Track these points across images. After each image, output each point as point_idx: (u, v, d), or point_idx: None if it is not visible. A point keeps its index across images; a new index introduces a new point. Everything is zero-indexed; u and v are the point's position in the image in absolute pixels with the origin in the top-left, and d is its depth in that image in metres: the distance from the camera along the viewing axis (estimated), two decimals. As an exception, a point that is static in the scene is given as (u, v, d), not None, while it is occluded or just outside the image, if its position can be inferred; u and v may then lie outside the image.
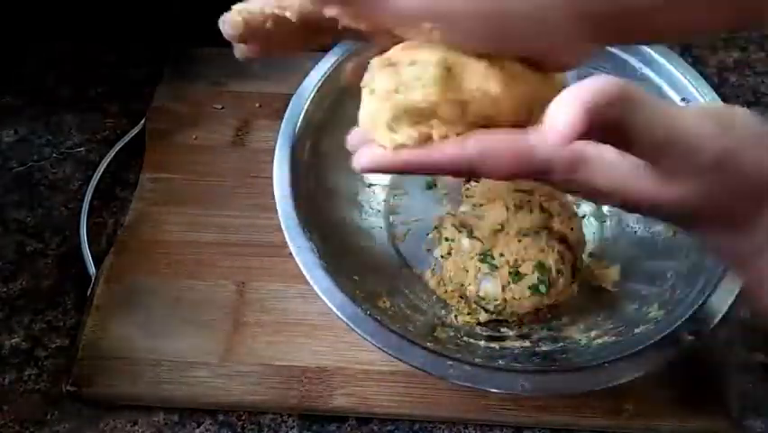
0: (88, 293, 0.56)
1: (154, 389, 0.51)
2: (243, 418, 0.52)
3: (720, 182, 0.29)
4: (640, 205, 0.31)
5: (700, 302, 0.46)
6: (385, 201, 0.60)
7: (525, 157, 0.28)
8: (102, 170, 0.63)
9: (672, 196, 0.29)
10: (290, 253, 0.48)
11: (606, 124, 0.25)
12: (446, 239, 0.53)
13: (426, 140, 0.30)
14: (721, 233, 0.33)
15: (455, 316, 0.53)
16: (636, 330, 0.47)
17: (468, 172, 0.30)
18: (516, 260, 0.49)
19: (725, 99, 0.52)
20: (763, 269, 0.32)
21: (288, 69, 0.68)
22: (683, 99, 0.52)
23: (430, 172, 0.30)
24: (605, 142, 0.28)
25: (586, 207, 0.59)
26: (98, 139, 0.67)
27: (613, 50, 0.55)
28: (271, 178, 0.51)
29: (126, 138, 0.65)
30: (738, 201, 0.30)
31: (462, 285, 0.51)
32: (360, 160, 0.33)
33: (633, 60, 0.56)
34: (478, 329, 0.52)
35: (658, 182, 0.29)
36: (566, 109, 0.24)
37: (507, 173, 0.29)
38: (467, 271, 0.50)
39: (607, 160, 0.29)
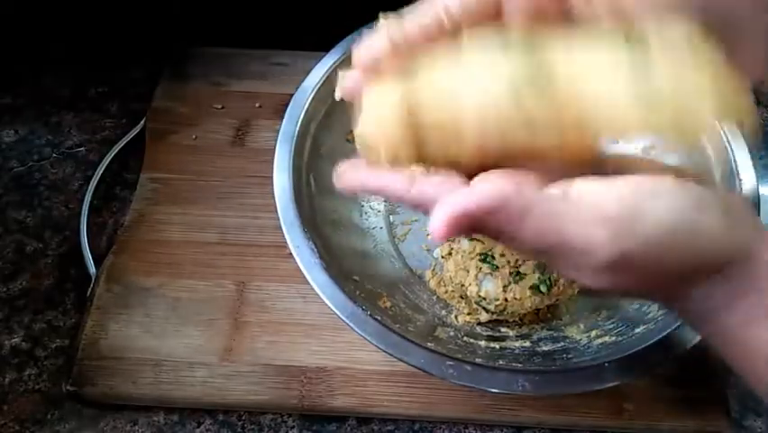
0: (88, 293, 0.56)
1: (154, 389, 0.51)
2: (243, 418, 0.52)
3: (623, 279, 0.30)
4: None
5: (700, 302, 0.46)
6: (385, 201, 0.60)
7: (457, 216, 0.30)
8: (102, 170, 0.63)
9: (585, 283, 0.31)
10: (290, 253, 0.48)
11: (479, 231, 0.30)
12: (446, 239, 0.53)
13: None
14: (661, 305, 0.35)
15: (455, 316, 0.53)
16: (636, 330, 0.47)
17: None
18: (516, 260, 0.49)
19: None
20: (713, 331, 0.33)
21: (288, 69, 0.69)
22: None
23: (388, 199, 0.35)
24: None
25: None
26: (98, 139, 0.67)
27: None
28: (271, 178, 0.51)
29: (126, 138, 0.65)
30: (654, 292, 0.32)
31: (463, 285, 0.51)
32: (340, 183, 0.36)
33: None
34: (478, 329, 0.52)
35: (565, 270, 0.32)
36: (436, 216, 0.29)
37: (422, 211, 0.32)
38: (467, 272, 0.50)
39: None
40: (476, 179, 0.30)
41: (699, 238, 0.29)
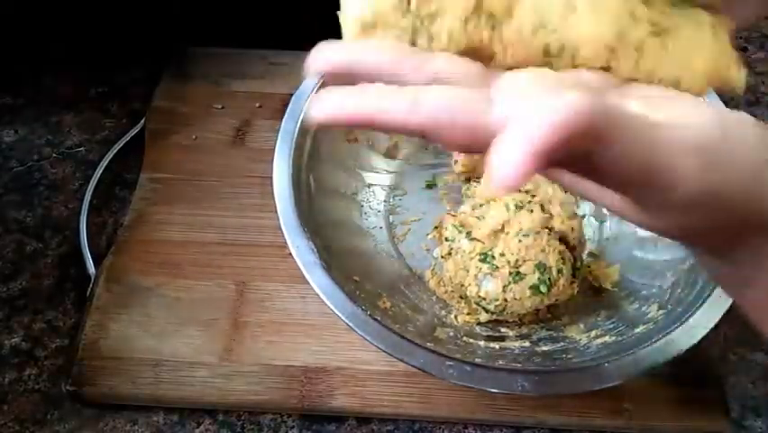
0: (88, 293, 0.56)
1: (154, 389, 0.51)
2: (243, 418, 0.52)
3: (698, 218, 0.27)
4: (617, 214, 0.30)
5: (700, 302, 0.46)
6: (385, 201, 0.60)
7: (480, 135, 0.23)
8: (102, 170, 0.63)
9: (646, 222, 0.29)
10: (290, 253, 0.48)
11: (565, 160, 0.24)
12: (446, 239, 0.53)
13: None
14: (710, 260, 0.32)
15: (455, 316, 0.53)
16: (636, 330, 0.47)
17: (419, 135, 0.24)
18: (516, 260, 0.49)
19: (725, 99, 0.52)
20: (750, 299, 0.31)
21: (288, 69, 0.69)
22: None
23: (379, 129, 0.25)
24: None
25: (586, 207, 0.59)
26: (98, 139, 0.67)
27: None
28: (271, 178, 0.51)
29: (126, 138, 0.65)
30: (719, 234, 0.29)
31: (463, 285, 0.51)
32: (313, 111, 0.26)
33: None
34: (478, 329, 0.52)
35: (632, 209, 0.28)
36: (508, 156, 0.21)
37: (459, 147, 0.25)
38: (467, 272, 0.50)
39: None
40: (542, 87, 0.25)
41: None
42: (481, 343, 0.49)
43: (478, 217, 0.52)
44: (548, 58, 0.28)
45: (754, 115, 0.28)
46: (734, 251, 0.29)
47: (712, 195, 0.26)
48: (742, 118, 0.26)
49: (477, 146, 0.24)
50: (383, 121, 0.24)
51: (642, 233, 0.56)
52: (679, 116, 0.25)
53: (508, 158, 0.21)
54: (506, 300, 0.48)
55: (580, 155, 0.23)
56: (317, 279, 0.46)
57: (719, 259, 0.31)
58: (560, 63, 0.28)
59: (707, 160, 0.25)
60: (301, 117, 0.54)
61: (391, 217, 0.59)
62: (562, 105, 0.22)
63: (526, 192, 0.53)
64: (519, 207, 0.52)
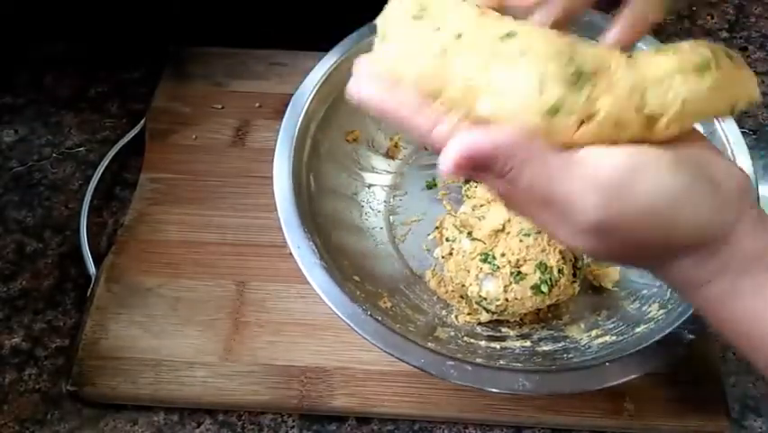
0: (88, 293, 0.56)
1: (154, 389, 0.51)
2: (243, 418, 0.52)
3: (607, 242, 0.31)
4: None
5: (701, 302, 0.46)
6: (385, 201, 0.60)
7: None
8: (102, 170, 0.63)
9: (566, 240, 0.32)
10: (290, 253, 0.48)
11: (481, 171, 0.31)
12: (447, 239, 0.53)
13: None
14: (646, 271, 0.36)
15: (456, 316, 0.53)
16: (636, 330, 0.47)
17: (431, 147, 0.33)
18: (517, 260, 0.49)
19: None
20: (696, 299, 0.34)
21: (288, 69, 0.69)
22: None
23: (402, 129, 0.33)
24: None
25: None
26: (98, 139, 0.67)
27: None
28: (271, 178, 0.51)
29: (126, 138, 0.65)
30: (637, 257, 0.33)
31: (464, 285, 0.51)
32: (352, 88, 0.35)
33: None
34: (478, 329, 0.52)
35: (553, 225, 0.32)
36: (451, 149, 0.30)
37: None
38: (468, 272, 0.50)
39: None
40: (491, 126, 0.31)
41: (686, 217, 0.30)
42: (482, 343, 0.49)
43: (478, 217, 0.52)
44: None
45: (754, 115, 0.29)
46: (671, 264, 0.33)
47: (612, 225, 0.30)
48: (652, 162, 0.30)
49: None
50: (408, 128, 0.33)
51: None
52: (589, 156, 0.30)
53: (450, 153, 0.30)
54: (507, 300, 0.48)
55: (496, 172, 0.31)
56: (317, 279, 0.46)
57: (658, 271, 0.34)
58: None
59: (604, 197, 0.29)
60: (301, 117, 0.54)
61: (391, 218, 0.59)
62: (495, 132, 0.30)
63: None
64: (519, 207, 0.51)
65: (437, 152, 0.32)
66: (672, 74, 0.31)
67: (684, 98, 0.30)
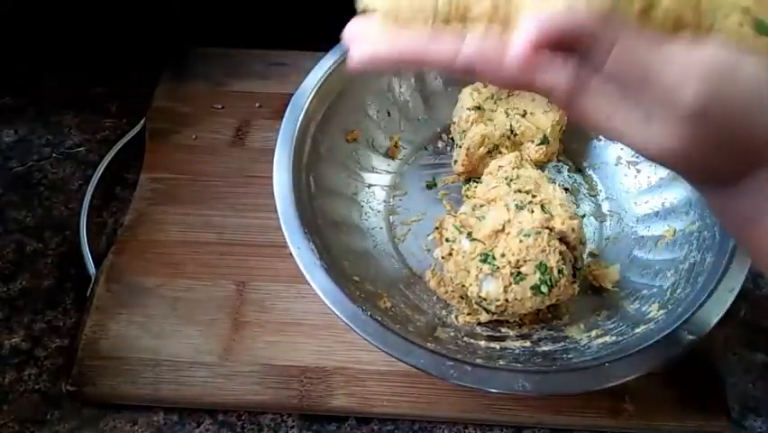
0: (88, 293, 0.56)
1: (154, 389, 0.51)
2: (243, 418, 0.52)
3: (702, 134, 0.28)
4: (626, 142, 0.31)
5: (700, 302, 0.46)
6: (385, 201, 0.60)
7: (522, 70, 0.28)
8: (102, 170, 0.63)
9: (650, 137, 0.29)
10: (290, 253, 0.48)
11: (571, 44, 0.28)
12: (447, 240, 0.53)
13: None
14: (714, 189, 0.32)
15: (455, 316, 0.53)
16: (636, 330, 0.47)
17: (462, 70, 0.30)
18: (517, 260, 0.49)
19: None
20: (754, 237, 0.32)
21: (288, 69, 0.69)
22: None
23: (424, 65, 0.31)
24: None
25: (586, 207, 0.59)
26: (98, 139, 0.67)
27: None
28: (271, 178, 0.51)
29: (126, 138, 0.65)
30: (725, 157, 0.30)
31: (463, 286, 0.51)
32: (354, 54, 0.32)
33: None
34: (478, 329, 0.52)
35: (637, 121, 0.29)
36: (527, 27, 0.27)
37: (502, 79, 0.29)
38: (468, 272, 0.50)
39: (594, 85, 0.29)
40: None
41: None
42: (482, 343, 0.49)
43: (478, 218, 0.52)
44: None
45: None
46: (738, 182, 0.30)
47: (715, 108, 0.27)
48: (754, 55, 0.28)
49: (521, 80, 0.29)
50: (430, 62, 0.29)
51: (642, 232, 0.56)
52: (687, 45, 0.28)
53: (527, 31, 0.27)
54: (506, 301, 0.48)
55: (584, 49, 0.28)
56: (317, 279, 0.46)
57: (723, 192, 0.31)
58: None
59: (708, 82, 0.27)
60: (301, 117, 0.54)
61: (391, 218, 0.59)
62: (577, 8, 0.27)
63: (527, 192, 0.53)
64: (520, 208, 0.51)
65: (481, 73, 0.28)
66: None
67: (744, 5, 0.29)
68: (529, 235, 0.49)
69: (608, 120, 0.30)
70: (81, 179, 0.64)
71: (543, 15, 0.27)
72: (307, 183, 0.53)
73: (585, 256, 0.54)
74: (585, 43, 0.28)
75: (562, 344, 0.49)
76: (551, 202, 0.52)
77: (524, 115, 0.59)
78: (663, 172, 0.57)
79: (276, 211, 0.50)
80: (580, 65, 0.29)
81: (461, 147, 0.58)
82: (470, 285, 0.50)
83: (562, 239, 0.51)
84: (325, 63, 0.56)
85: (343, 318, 0.45)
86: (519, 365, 0.45)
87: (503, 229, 0.51)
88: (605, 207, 0.59)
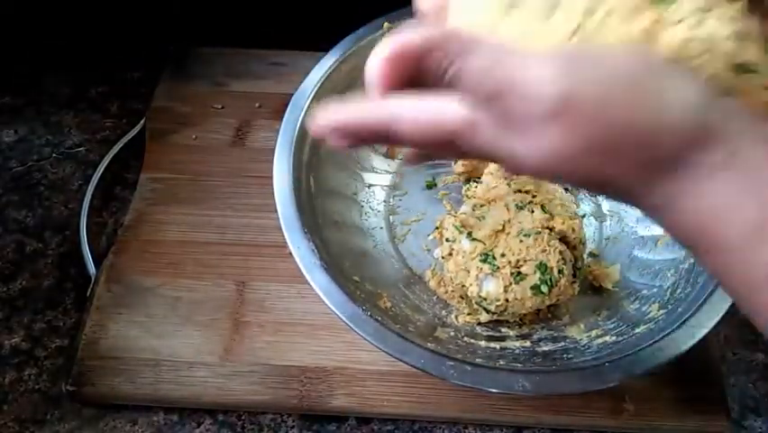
0: (88, 293, 0.56)
1: (154, 389, 0.51)
2: (243, 418, 0.52)
3: (578, 137, 0.24)
4: (503, 164, 0.28)
5: (701, 302, 0.46)
6: (385, 201, 0.60)
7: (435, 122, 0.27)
8: (102, 170, 0.63)
9: (526, 151, 0.26)
10: (290, 253, 0.48)
11: (418, 76, 0.27)
12: (447, 240, 0.53)
13: None
14: (616, 197, 0.28)
15: (455, 316, 0.53)
16: (636, 330, 0.47)
17: (385, 137, 0.29)
18: (517, 260, 0.49)
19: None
20: (673, 225, 0.27)
21: (288, 69, 0.69)
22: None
23: (363, 138, 0.29)
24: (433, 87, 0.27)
25: (586, 207, 0.59)
26: (98, 139, 0.67)
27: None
28: (271, 178, 0.51)
29: (126, 138, 0.65)
30: (616, 164, 0.25)
31: (464, 285, 0.51)
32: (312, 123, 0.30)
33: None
34: (478, 329, 0.52)
35: (503, 136, 0.26)
36: (374, 58, 0.27)
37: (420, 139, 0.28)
38: (468, 272, 0.50)
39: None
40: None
41: (675, 94, 0.24)
42: (482, 343, 0.49)
43: (478, 218, 0.52)
44: None
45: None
46: (642, 199, 0.26)
47: (573, 102, 0.24)
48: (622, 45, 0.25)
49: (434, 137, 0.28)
50: (360, 123, 0.29)
51: (642, 232, 0.56)
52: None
53: (373, 62, 0.27)
54: (507, 301, 0.48)
55: (434, 68, 0.27)
56: (317, 279, 0.46)
57: (634, 205, 0.28)
58: None
59: (561, 66, 0.24)
60: (301, 117, 0.54)
61: (391, 218, 0.59)
62: (420, 30, 0.27)
63: (527, 192, 0.53)
64: (520, 208, 0.52)
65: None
66: None
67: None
68: (529, 235, 0.49)
69: (491, 147, 0.27)
70: (81, 179, 0.64)
71: (387, 44, 0.27)
72: (307, 183, 0.53)
73: (585, 256, 0.54)
74: (434, 60, 0.26)
75: (562, 344, 0.49)
76: (551, 202, 0.52)
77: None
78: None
79: (276, 211, 0.50)
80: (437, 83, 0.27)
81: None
82: (471, 285, 0.50)
83: (563, 239, 0.51)
84: (325, 63, 0.56)
85: (343, 318, 0.45)
86: (519, 365, 0.45)
87: (503, 229, 0.51)
88: (605, 207, 0.59)
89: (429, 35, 0.26)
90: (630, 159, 0.25)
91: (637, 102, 0.24)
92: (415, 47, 0.26)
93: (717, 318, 0.45)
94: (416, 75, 0.27)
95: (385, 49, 0.27)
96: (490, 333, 0.51)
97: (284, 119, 0.54)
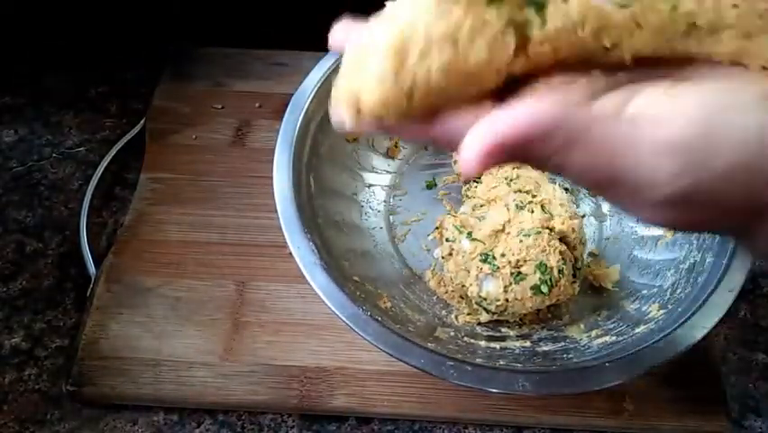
0: (88, 293, 0.56)
1: (154, 389, 0.51)
2: (243, 418, 0.52)
3: (687, 215, 0.25)
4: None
5: (700, 302, 0.46)
6: (385, 201, 0.60)
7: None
8: (102, 170, 0.63)
9: (641, 216, 0.27)
10: (290, 253, 0.48)
11: (520, 160, 0.25)
12: (447, 240, 0.53)
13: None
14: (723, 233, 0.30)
15: (456, 316, 0.53)
16: (636, 330, 0.47)
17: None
18: (517, 260, 0.49)
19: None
20: None
21: (288, 69, 0.69)
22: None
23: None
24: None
25: (586, 207, 0.59)
26: (98, 139, 0.67)
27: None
28: (271, 178, 0.51)
29: (126, 138, 0.65)
30: (721, 224, 0.27)
31: (464, 285, 0.51)
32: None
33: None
34: (478, 329, 0.52)
35: (620, 207, 0.27)
36: (469, 145, 0.25)
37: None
38: (468, 272, 0.50)
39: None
40: (513, 100, 0.25)
41: None
42: (482, 343, 0.49)
43: (478, 218, 0.52)
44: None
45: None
46: (748, 234, 0.27)
47: (694, 193, 0.24)
48: (730, 102, 0.23)
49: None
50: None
51: (642, 232, 0.56)
52: (650, 110, 0.24)
53: (469, 150, 0.25)
54: (507, 301, 0.48)
55: (537, 158, 0.25)
56: (317, 279, 0.46)
57: (737, 238, 0.29)
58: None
59: (682, 161, 0.23)
60: (301, 117, 0.54)
61: (391, 218, 0.59)
62: (519, 113, 0.24)
63: (527, 192, 0.53)
64: (520, 208, 0.52)
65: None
66: None
67: None
68: (529, 235, 0.49)
69: (604, 195, 0.28)
70: (81, 179, 0.64)
71: (485, 130, 0.24)
72: (307, 183, 0.53)
73: (585, 256, 0.54)
74: (539, 152, 0.25)
75: (562, 344, 0.49)
76: (551, 202, 0.52)
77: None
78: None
79: (276, 211, 0.50)
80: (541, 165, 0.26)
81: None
82: (471, 285, 0.50)
83: (563, 239, 0.51)
84: (325, 63, 0.56)
85: (343, 318, 0.45)
86: (519, 365, 0.45)
87: (503, 229, 0.51)
88: (605, 207, 0.59)
89: (531, 122, 0.24)
90: (739, 219, 0.26)
91: (747, 185, 0.24)
92: (517, 137, 0.24)
93: (717, 318, 0.45)
94: (517, 157, 0.26)
95: (481, 136, 0.24)
96: (490, 333, 0.51)
97: (284, 119, 0.54)
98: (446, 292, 0.54)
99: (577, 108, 0.24)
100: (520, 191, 0.53)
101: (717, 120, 0.23)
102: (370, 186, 0.60)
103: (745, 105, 0.23)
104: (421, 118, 0.27)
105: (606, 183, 0.25)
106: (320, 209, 0.53)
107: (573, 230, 0.51)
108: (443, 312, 0.53)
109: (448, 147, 0.27)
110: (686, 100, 0.23)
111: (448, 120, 0.27)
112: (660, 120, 0.23)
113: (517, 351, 0.49)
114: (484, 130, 0.25)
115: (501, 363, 0.45)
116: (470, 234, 0.51)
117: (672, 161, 0.23)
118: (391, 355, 0.44)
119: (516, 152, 0.25)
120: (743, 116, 0.23)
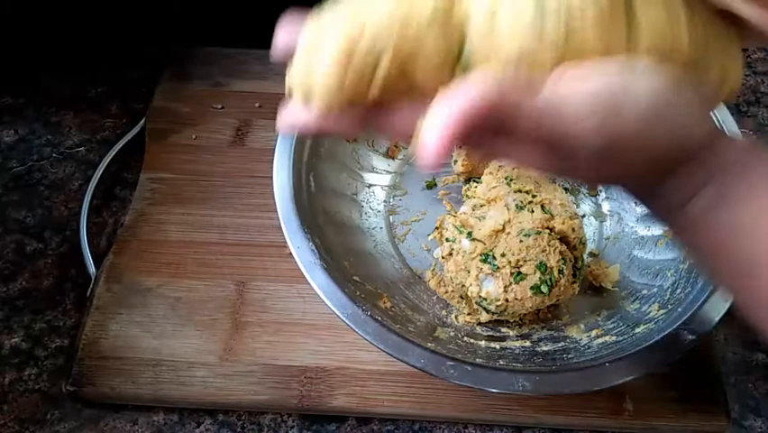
0: (88, 293, 0.56)
1: (154, 389, 0.51)
2: (243, 418, 0.52)
3: (613, 167, 0.30)
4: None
5: (700, 302, 0.46)
6: (385, 201, 0.60)
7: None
8: (102, 170, 0.63)
9: (577, 175, 0.32)
10: (290, 253, 0.48)
11: (477, 137, 0.29)
12: (447, 240, 0.53)
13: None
14: (640, 195, 0.34)
15: (456, 316, 0.53)
16: (636, 330, 0.47)
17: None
18: (517, 260, 0.49)
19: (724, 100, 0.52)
20: (680, 223, 0.33)
21: (288, 70, 0.69)
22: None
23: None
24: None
25: (586, 207, 0.59)
26: (98, 139, 0.67)
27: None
28: (271, 178, 0.51)
29: (126, 138, 0.65)
30: (635, 179, 0.32)
31: (464, 285, 0.51)
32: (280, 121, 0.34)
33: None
34: (478, 329, 0.52)
35: (550, 165, 0.31)
36: (429, 130, 0.27)
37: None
38: (468, 272, 0.50)
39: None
40: (453, 86, 0.28)
41: (678, 117, 0.29)
42: (482, 343, 0.49)
43: (478, 218, 0.52)
44: None
45: (754, 115, 0.29)
46: (662, 182, 0.31)
47: (616, 143, 0.28)
48: (636, 65, 0.29)
49: None
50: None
51: (642, 232, 0.56)
52: (576, 74, 0.28)
53: (430, 134, 0.27)
54: (507, 301, 0.48)
55: (493, 128, 0.29)
56: (317, 279, 0.46)
57: (649, 194, 0.33)
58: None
59: (602, 118, 0.28)
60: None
61: (391, 218, 0.59)
62: (469, 88, 0.27)
63: (527, 192, 0.53)
64: (520, 208, 0.52)
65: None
66: None
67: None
68: (529, 235, 0.49)
69: (549, 163, 0.31)
70: (81, 179, 0.64)
71: (442, 112, 0.27)
72: (307, 183, 0.53)
73: (585, 256, 0.54)
74: (495, 121, 0.28)
75: (562, 344, 0.49)
76: (551, 202, 0.52)
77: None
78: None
79: (276, 211, 0.50)
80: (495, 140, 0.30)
81: (461, 147, 0.58)
82: (470, 285, 0.50)
83: (563, 239, 0.51)
84: (325, 63, 0.56)
85: (343, 318, 0.45)
86: (519, 365, 0.45)
87: (503, 229, 0.51)
88: (605, 207, 0.59)
89: (486, 92, 0.27)
90: (649, 173, 0.31)
91: (656, 131, 0.29)
92: (477, 108, 0.27)
93: (717, 318, 0.45)
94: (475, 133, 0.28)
95: (440, 118, 0.27)
96: (490, 333, 0.51)
97: (284, 119, 0.54)
98: (446, 292, 0.54)
99: (514, 82, 0.28)
100: (520, 191, 0.53)
101: (627, 81, 0.28)
102: (370, 186, 0.60)
103: (642, 68, 0.29)
104: (373, 106, 0.30)
105: (549, 141, 0.29)
106: (320, 209, 0.53)
107: (573, 230, 0.51)
108: (443, 312, 0.53)
109: (400, 136, 0.30)
110: (604, 66, 0.29)
111: (401, 107, 0.29)
112: (586, 86, 0.28)
113: (517, 351, 0.49)
114: (441, 111, 0.27)
115: (501, 363, 0.45)
116: (470, 234, 0.51)
117: (593, 116, 0.28)
118: (391, 355, 0.44)
119: (474, 126, 0.27)
120: (642, 77, 0.28)
